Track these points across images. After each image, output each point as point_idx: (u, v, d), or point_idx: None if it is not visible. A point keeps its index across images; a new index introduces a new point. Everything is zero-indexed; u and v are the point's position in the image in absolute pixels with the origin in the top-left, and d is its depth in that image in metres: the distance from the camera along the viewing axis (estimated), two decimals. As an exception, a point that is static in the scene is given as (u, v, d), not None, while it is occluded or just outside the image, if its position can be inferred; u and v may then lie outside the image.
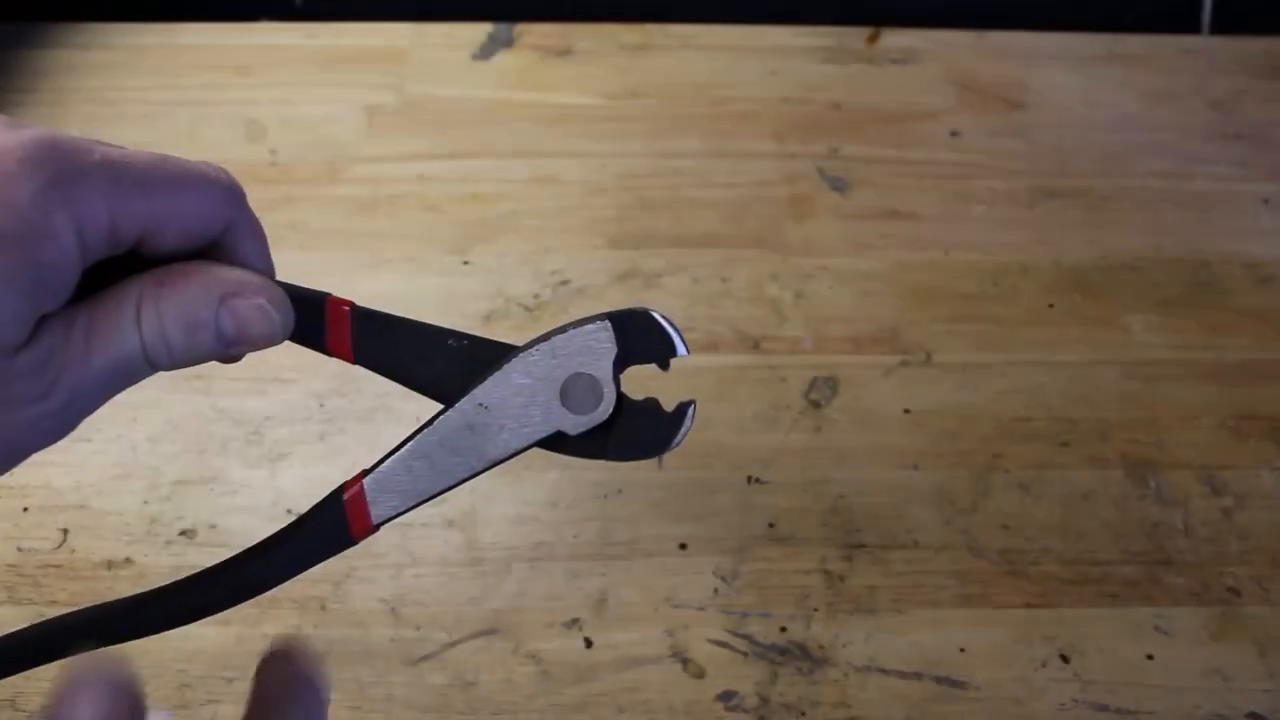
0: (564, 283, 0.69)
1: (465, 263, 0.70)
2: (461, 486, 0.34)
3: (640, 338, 0.34)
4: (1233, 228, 0.74)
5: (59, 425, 0.30)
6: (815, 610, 0.55)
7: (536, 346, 0.34)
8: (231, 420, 0.62)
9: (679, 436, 0.34)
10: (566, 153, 0.78)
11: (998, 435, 0.62)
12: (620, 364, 0.34)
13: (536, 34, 0.87)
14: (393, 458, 0.34)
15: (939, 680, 0.53)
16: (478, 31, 0.87)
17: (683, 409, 0.35)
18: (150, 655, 0.51)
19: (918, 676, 0.53)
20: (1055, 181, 0.77)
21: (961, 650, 0.54)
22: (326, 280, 0.35)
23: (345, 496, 0.34)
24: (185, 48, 0.85)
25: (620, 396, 0.34)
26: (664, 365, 0.34)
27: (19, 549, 0.56)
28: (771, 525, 0.58)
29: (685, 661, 0.53)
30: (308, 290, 0.34)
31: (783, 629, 0.54)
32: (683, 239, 0.72)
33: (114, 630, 0.33)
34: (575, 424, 0.34)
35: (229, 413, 0.62)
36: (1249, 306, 0.70)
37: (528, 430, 0.34)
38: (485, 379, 0.34)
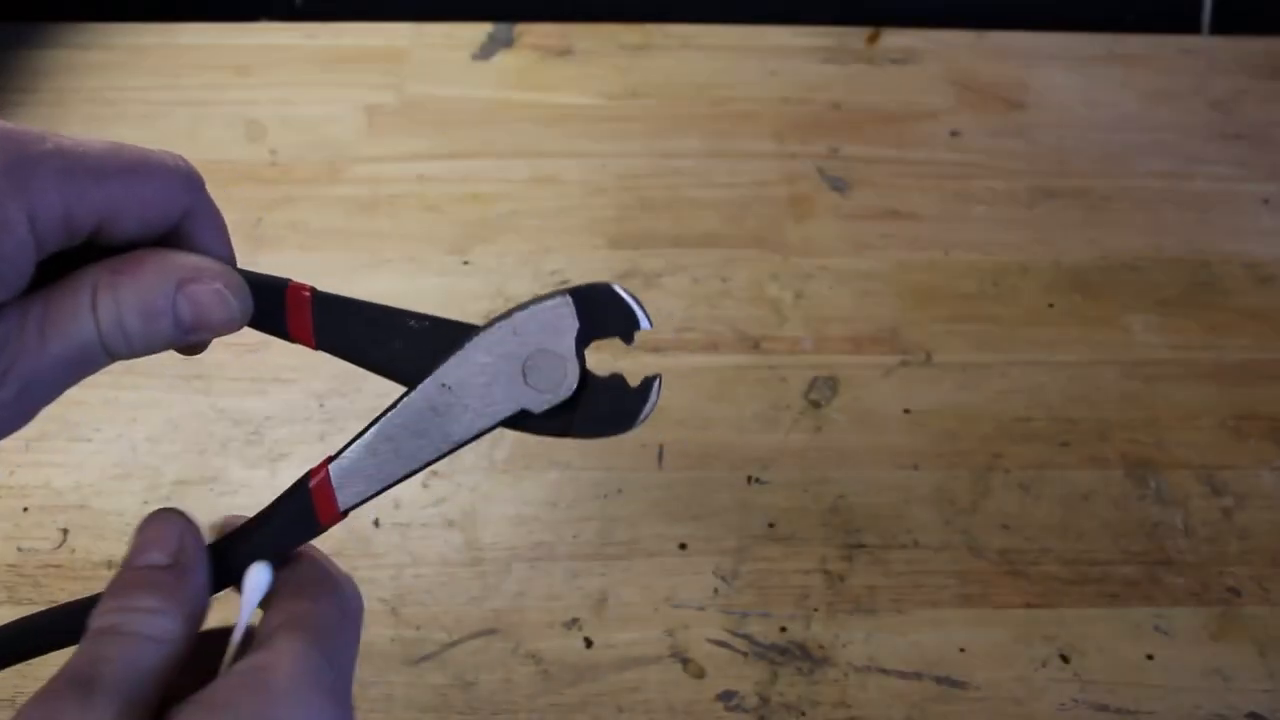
0: (564, 283, 0.69)
1: (465, 263, 0.70)
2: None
3: (602, 312, 0.33)
4: (1233, 228, 0.74)
5: (13, 415, 0.30)
6: (815, 610, 0.55)
7: (498, 324, 0.33)
8: (231, 420, 0.62)
9: (645, 412, 0.34)
10: (566, 153, 0.78)
11: (998, 435, 0.62)
12: (583, 339, 0.33)
13: (536, 34, 0.87)
14: (357, 443, 0.34)
15: (939, 680, 0.53)
16: (478, 31, 0.87)
17: (648, 383, 0.34)
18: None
19: (918, 676, 0.53)
20: (1055, 181, 0.77)
21: (961, 650, 0.54)
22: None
23: (311, 484, 0.34)
24: (185, 48, 0.85)
25: (584, 373, 0.34)
26: (627, 339, 0.34)
27: (19, 549, 0.56)
28: (771, 525, 0.58)
29: (685, 661, 0.53)
30: (268, 276, 0.34)
31: (783, 629, 0.54)
32: (683, 239, 0.72)
33: None
34: (539, 401, 0.33)
35: (229, 413, 0.62)
36: (1249, 306, 0.70)
37: (492, 410, 0.33)
38: (447, 359, 0.33)
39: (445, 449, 0.34)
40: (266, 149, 0.77)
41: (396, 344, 0.34)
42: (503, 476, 0.59)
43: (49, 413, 0.31)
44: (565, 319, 0.33)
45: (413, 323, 0.34)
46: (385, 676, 0.52)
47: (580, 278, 0.69)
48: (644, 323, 0.33)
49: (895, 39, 0.88)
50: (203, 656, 0.31)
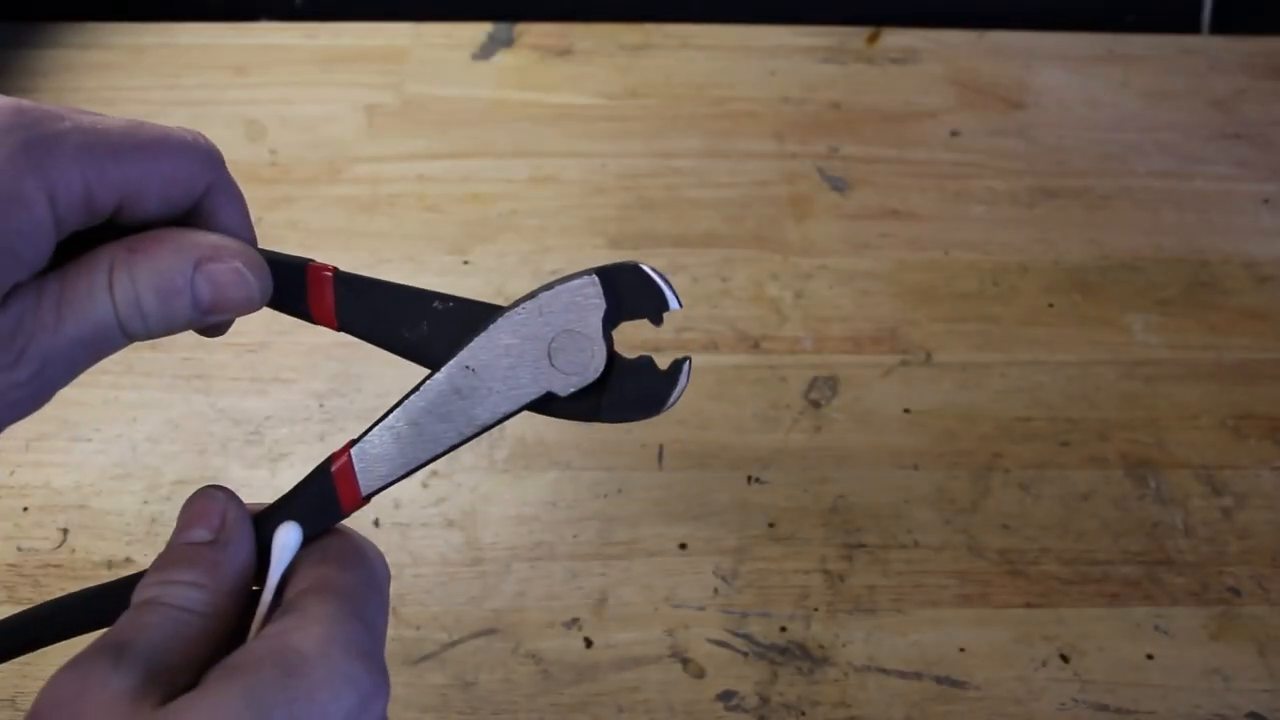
0: (564, 283, 0.69)
1: (465, 262, 0.70)
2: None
3: (630, 292, 0.33)
4: (1233, 228, 0.74)
5: (28, 395, 0.30)
6: (815, 610, 0.55)
7: (523, 305, 0.33)
8: (231, 420, 0.62)
9: (675, 395, 0.33)
10: (566, 153, 0.78)
11: (998, 435, 0.62)
12: (610, 320, 0.33)
13: (536, 34, 0.87)
14: (379, 426, 0.33)
15: (939, 680, 0.53)
16: (478, 31, 0.87)
17: (677, 365, 0.33)
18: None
19: (918, 676, 0.53)
20: (1055, 181, 0.77)
21: (961, 650, 0.54)
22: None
23: (333, 468, 0.33)
24: (184, 47, 0.85)
25: (612, 354, 0.33)
26: (656, 320, 0.33)
27: (19, 549, 0.56)
28: (771, 525, 0.58)
29: (685, 661, 0.53)
30: (289, 256, 0.33)
31: (783, 629, 0.54)
32: (683, 239, 0.72)
33: (108, 616, 0.32)
34: (565, 384, 0.33)
35: (229, 413, 0.62)
36: (1249, 306, 0.70)
37: (517, 393, 0.33)
38: (471, 341, 0.33)
39: (469, 433, 0.33)
40: (266, 149, 0.77)
41: (420, 325, 0.33)
42: (503, 476, 0.59)
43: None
44: (592, 299, 0.33)
45: (437, 304, 0.33)
46: (385, 676, 0.52)
47: (580, 278, 0.70)
48: (673, 303, 0.33)
49: (895, 39, 0.88)
50: (239, 622, 0.32)
